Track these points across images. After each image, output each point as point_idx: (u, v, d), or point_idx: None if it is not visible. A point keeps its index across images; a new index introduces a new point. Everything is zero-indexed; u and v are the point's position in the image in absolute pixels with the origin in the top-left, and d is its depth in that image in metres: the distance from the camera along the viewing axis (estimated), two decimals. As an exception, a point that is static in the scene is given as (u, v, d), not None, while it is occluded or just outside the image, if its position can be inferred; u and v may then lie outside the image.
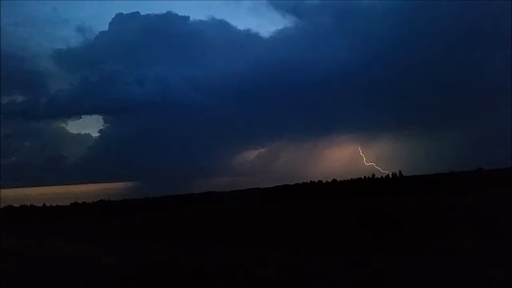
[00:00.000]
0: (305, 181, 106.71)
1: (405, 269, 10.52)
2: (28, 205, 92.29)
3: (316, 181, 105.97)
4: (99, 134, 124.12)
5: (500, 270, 9.20)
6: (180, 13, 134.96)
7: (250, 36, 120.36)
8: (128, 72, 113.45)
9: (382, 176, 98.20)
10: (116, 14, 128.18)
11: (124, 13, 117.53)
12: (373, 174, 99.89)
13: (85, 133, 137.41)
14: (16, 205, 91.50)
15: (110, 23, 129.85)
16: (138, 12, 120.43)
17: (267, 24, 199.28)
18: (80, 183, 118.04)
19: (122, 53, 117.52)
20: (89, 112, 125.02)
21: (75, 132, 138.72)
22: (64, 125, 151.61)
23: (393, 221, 18.12)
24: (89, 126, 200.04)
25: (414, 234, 17.04)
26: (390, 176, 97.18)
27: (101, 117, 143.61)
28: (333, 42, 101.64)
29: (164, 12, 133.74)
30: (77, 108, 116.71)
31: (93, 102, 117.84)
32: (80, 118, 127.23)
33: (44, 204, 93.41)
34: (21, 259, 16.96)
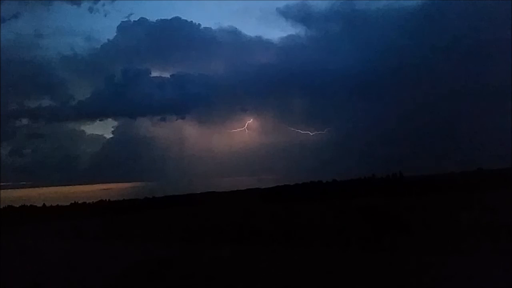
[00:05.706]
0: (305, 181, 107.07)
1: (405, 269, 10.53)
2: (28, 205, 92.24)
3: (316, 181, 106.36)
4: (108, 137, 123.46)
5: (501, 270, 9.22)
6: (189, 19, 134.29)
7: (261, 42, 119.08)
8: (141, 77, 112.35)
9: (382, 176, 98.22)
10: (122, 21, 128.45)
11: (133, 20, 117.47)
12: (373, 175, 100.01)
13: (93, 135, 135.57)
14: (16, 205, 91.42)
15: (118, 27, 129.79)
16: (145, 18, 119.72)
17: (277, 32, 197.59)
18: (79, 184, 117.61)
19: (134, 58, 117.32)
20: (102, 116, 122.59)
21: (83, 135, 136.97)
22: (75, 128, 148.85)
23: (393, 221, 18.17)
24: (99, 130, 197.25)
25: (414, 234, 17.09)
26: (390, 176, 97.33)
27: (112, 120, 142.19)
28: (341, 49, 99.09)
29: (170, 18, 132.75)
30: (90, 112, 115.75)
31: (106, 107, 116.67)
32: (93, 121, 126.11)
33: (44, 204, 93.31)
34: (22, 259, 16.98)
